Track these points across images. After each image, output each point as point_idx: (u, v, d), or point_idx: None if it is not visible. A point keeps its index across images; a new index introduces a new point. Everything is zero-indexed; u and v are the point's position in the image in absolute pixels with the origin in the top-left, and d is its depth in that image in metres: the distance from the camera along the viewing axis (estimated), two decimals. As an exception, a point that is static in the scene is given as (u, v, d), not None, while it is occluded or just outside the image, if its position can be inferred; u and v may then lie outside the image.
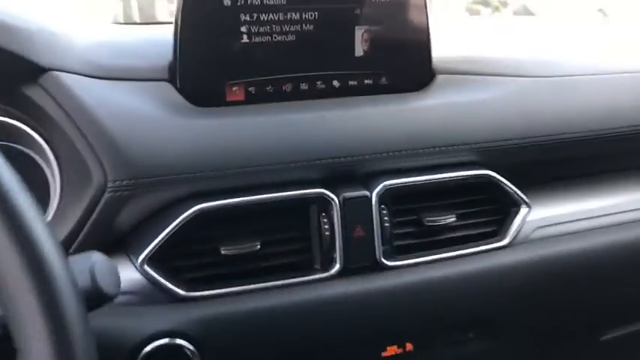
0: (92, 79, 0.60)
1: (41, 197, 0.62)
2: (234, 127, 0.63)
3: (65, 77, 0.58)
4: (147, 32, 0.72)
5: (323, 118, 0.66)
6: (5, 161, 0.36)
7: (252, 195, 0.61)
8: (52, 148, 0.61)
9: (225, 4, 0.66)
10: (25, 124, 0.61)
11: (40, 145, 0.62)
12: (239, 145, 0.62)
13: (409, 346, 0.68)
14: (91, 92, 0.59)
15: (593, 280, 0.74)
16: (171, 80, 0.65)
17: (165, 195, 0.59)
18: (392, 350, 0.68)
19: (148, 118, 0.60)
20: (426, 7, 0.73)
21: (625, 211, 0.77)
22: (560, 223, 0.74)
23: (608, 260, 0.74)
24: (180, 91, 0.65)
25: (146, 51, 0.67)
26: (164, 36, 0.66)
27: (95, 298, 0.43)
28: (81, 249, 0.58)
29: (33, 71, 0.57)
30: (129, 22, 1.19)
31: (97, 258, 0.43)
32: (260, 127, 0.64)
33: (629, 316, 0.89)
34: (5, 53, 0.55)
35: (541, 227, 0.73)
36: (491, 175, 0.69)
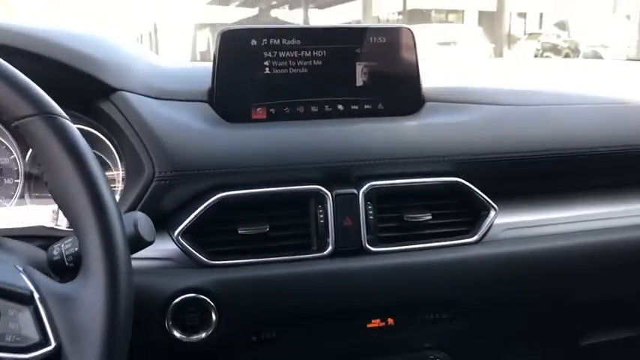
0: (148, 98, 0.81)
1: None
2: (254, 137, 0.82)
3: (129, 96, 0.79)
4: (192, 65, 0.93)
5: (326, 132, 0.84)
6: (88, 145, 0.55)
7: (264, 188, 0.79)
8: (117, 150, 0.82)
9: (252, 44, 0.85)
10: (97, 131, 0.82)
11: (108, 147, 0.83)
12: (257, 150, 0.80)
13: (391, 321, 0.83)
14: (147, 108, 0.79)
15: (552, 277, 0.87)
16: (209, 101, 0.85)
17: (198, 185, 0.78)
18: (376, 323, 0.83)
19: (188, 127, 0.80)
20: (415, 47, 0.90)
21: (583, 221, 0.90)
22: (525, 227, 0.88)
23: (566, 260, 0.87)
24: (216, 110, 0.85)
25: (191, 79, 0.88)
26: (204, 68, 0.86)
27: (137, 242, 0.61)
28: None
29: (106, 90, 0.78)
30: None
31: (139, 215, 0.62)
32: (275, 138, 0.82)
33: (606, 321, 1.00)
34: (86, 76, 0.77)
35: (508, 229, 0.87)
36: (462, 183, 0.84)
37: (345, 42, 0.88)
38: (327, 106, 0.89)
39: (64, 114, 0.54)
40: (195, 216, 0.77)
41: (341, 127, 0.85)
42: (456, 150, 0.85)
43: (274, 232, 0.80)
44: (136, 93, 0.80)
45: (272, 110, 0.87)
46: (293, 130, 0.84)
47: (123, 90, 0.79)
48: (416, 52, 0.90)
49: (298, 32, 0.87)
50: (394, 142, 0.85)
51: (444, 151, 0.85)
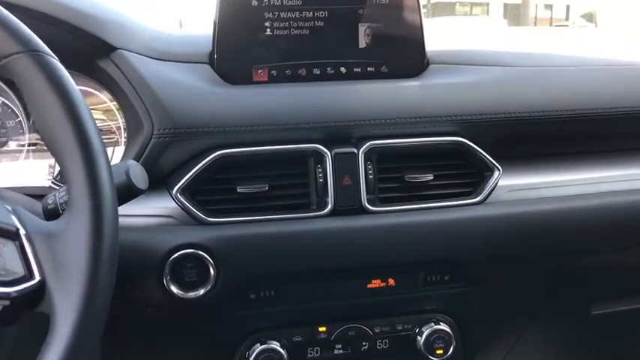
0: (149, 58, 0.81)
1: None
2: (254, 97, 0.81)
3: (130, 55, 0.79)
4: (195, 32, 0.93)
5: (327, 92, 0.83)
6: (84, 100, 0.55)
7: (264, 146, 0.79)
8: (118, 107, 0.83)
9: (253, 4, 0.85)
10: (99, 92, 0.83)
11: (111, 109, 0.83)
12: (257, 110, 0.80)
13: (391, 281, 0.82)
14: (147, 67, 0.79)
15: (556, 239, 0.85)
16: (210, 63, 0.85)
17: (197, 144, 0.78)
18: (376, 283, 0.82)
19: (188, 87, 0.80)
20: (419, 8, 0.89)
21: (587, 184, 0.88)
22: (528, 189, 0.86)
23: (569, 223, 0.85)
24: (217, 71, 0.85)
25: (192, 41, 0.88)
26: (207, 35, 0.86)
27: (129, 190, 0.61)
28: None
29: (106, 49, 0.79)
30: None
31: (131, 163, 0.62)
32: (275, 98, 0.82)
33: (615, 290, 0.98)
34: (87, 35, 0.77)
35: (511, 191, 0.86)
36: (465, 143, 0.83)
37: (348, 2, 0.87)
38: (329, 69, 0.88)
39: (51, 53, 0.54)
40: (194, 173, 0.77)
41: (342, 87, 0.85)
42: (460, 110, 0.84)
43: (273, 191, 0.79)
44: (136, 52, 0.80)
45: (273, 72, 0.87)
46: (294, 90, 0.83)
47: (123, 49, 0.79)
48: (420, 13, 0.89)
49: (299, -8, 0.86)
50: (396, 102, 0.84)
51: (447, 111, 0.84)
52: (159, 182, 0.79)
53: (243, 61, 0.85)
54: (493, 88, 0.86)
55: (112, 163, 0.57)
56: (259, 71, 0.87)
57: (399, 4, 0.88)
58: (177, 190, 0.77)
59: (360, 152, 0.80)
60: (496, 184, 0.84)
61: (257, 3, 0.85)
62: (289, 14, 0.86)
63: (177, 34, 0.92)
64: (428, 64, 0.90)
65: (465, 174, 0.84)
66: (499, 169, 0.84)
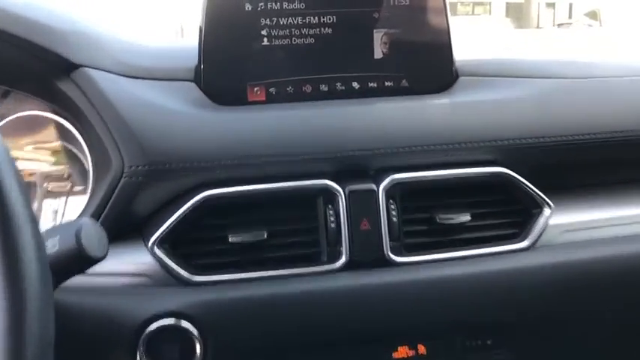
0: (120, 76, 0.65)
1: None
2: (250, 122, 0.66)
3: (94, 73, 0.64)
4: (180, 42, 0.78)
5: (337, 114, 0.68)
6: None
7: (261, 185, 0.63)
8: (84, 138, 0.67)
9: (247, 9, 0.70)
10: (61, 117, 0.67)
11: (76, 137, 0.68)
12: (253, 137, 0.65)
13: (422, 349, 0.67)
14: (117, 87, 0.64)
15: (626, 292, 0.69)
16: (196, 81, 0.70)
17: (179, 183, 0.63)
18: (403, 351, 0.66)
19: (168, 110, 0.65)
20: (446, 10, 0.74)
21: None
22: (587, 229, 0.71)
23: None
24: (204, 90, 0.69)
25: (174, 54, 0.72)
26: (191, 42, 0.71)
27: (80, 259, 0.46)
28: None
29: (66, 67, 0.64)
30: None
31: (84, 222, 0.47)
32: (275, 122, 0.67)
33: None
34: (40, 50, 0.62)
35: (566, 231, 0.70)
36: (508, 174, 0.68)
37: (361, 4, 0.72)
38: (338, 84, 0.73)
39: None
40: (175, 220, 0.62)
41: (356, 108, 0.69)
42: (499, 133, 0.69)
43: (274, 240, 0.64)
44: (103, 70, 0.65)
45: (272, 90, 0.72)
46: (297, 113, 0.68)
47: (87, 66, 0.64)
48: (446, 16, 0.74)
49: (302, -7, 0.71)
50: (421, 125, 0.68)
51: (483, 135, 0.68)
52: (131, 231, 0.64)
53: (236, 77, 0.70)
54: (540, 104, 0.71)
55: (68, 217, 0.42)
56: (255, 89, 0.71)
57: (422, 6, 0.73)
58: (155, 241, 0.61)
59: (381, 189, 0.65)
60: (547, 223, 0.68)
61: (251, 7, 0.70)
62: (290, 20, 0.70)
63: (158, 45, 0.77)
64: (457, 76, 0.75)
65: (508, 212, 0.69)
66: (549, 205, 0.69)
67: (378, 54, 0.73)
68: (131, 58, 0.68)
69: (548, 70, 0.75)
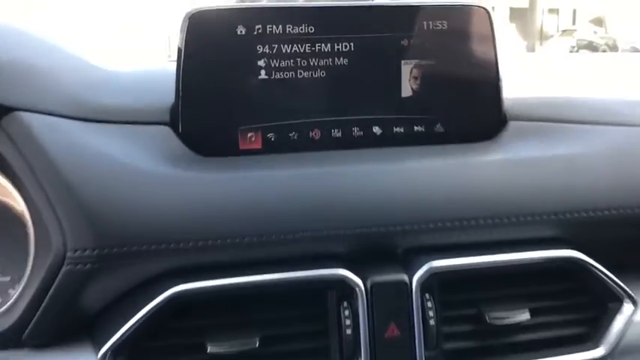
0: (68, 120, 0.50)
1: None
2: (240, 182, 0.50)
3: (30, 118, 0.48)
4: (157, 68, 0.61)
5: (354, 173, 0.52)
6: None
7: (250, 276, 0.47)
8: (27, 205, 0.51)
9: (239, 32, 0.54)
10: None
11: (8, 202, 0.52)
12: (243, 205, 0.49)
13: None
14: (58, 137, 0.48)
15: None
16: (171, 124, 0.54)
17: (139, 272, 0.47)
18: None
19: (130, 169, 0.48)
20: (494, 37, 0.58)
21: None
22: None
23: None
24: (183, 137, 0.54)
25: (147, 89, 0.56)
26: (172, 68, 0.55)
27: None
28: (39, 329, 0.47)
29: None
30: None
31: None
32: (274, 183, 0.50)
33: None
34: None
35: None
36: (580, 259, 0.52)
37: (385, 29, 0.56)
38: (355, 129, 0.57)
39: None
40: (135, 323, 0.46)
41: (377, 163, 0.53)
42: (567, 202, 0.53)
43: (268, 349, 0.48)
44: (43, 112, 0.49)
45: (270, 136, 0.56)
46: (302, 170, 0.52)
47: (21, 109, 0.48)
48: (494, 44, 0.58)
49: (311, 14, 0.55)
50: (464, 187, 0.52)
51: (546, 203, 0.52)
52: (77, 333, 0.48)
53: (224, 120, 0.55)
54: (619, 162, 0.55)
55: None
56: (249, 135, 0.55)
57: (464, 31, 0.58)
58: (108, 351, 0.45)
59: (415, 281, 0.49)
60: (629, 322, 0.52)
61: (245, 30, 0.54)
62: (296, 48, 0.55)
63: (131, 74, 0.61)
64: (506, 120, 0.59)
65: (576, 306, 0.53)
66: (632, 299, 0.52)
67: (406, 91, 0.57)
68: (88, 94, 0.52)
69: (619, 114, 0.59)
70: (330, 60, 0.56)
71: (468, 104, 0.58)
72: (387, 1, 0.55)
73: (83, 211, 0.45)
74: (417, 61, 0.57)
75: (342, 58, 0.56)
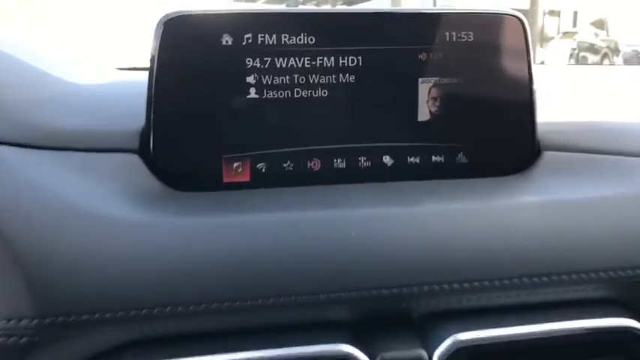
0: (6, 147, 0.40)
1: None
2: (223, 230, 0.41)
3: None
4: (128, 81, 0.52)
5: (359, 218, 0.42)
6: None
7: (233, 351, 0.38)
8: None
9: (225, 42, 0.45)
10: None
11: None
12: (224, 262, 0.39)
13: None
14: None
15: None
16: (141, 151, 0.45)
17: (93, 344, 0.37)
18: None
19: (83, 211, 0.39)
20: (528, 52, 0.49)
21: None
22: None
23: None
24: (153, 167, 0.44)
25: (112, 107, 0.47)
26: (140, 82, 0.45)
27: None
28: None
29: None
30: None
31: None
32: (263, 232, 0.41)
33: None
34: None
35: None
36: (634, 328, 0.42)
37: (400, 40, 0.47)
38: (363, 159, 0.48)
39: None
40: None
41: (389, 206, 0.44)
42: (621, 256, 0.43)
43: None
44: None
45: (261, 167, 0.47)
46: (299, 213, 0.43)
47: None
48: (529, 62, 0.49)
49: (312, 22, 0.46)
50: (494, 239, 0.43)
51: (595, 258, 0.43)
52: None
53: (205, 147, 0.45)
54: None
55: None
56: (235, 165, 0.46)
57: (493, 43, 0.48)
58: None
59: (436, 358, 0.39)
60: None
61: (232, 41, 0.45)
62: (292, 62, 0.46)
63: (92, 85, 0.51)
64: (539, 150, 0.50)
65: None
66: None
67: (423, 115, 0.48)
68: (31, 115, 0.43)
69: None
70: (334, 77, 0.46)
71: (496, 131, 0.49)
72: (402, 7, 0.46)
73: (18, 268, 0.36)
74: (436, 79, 0.48)
75: (347, 75, 0.47)
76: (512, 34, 0.48)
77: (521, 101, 0.49)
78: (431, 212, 0.42)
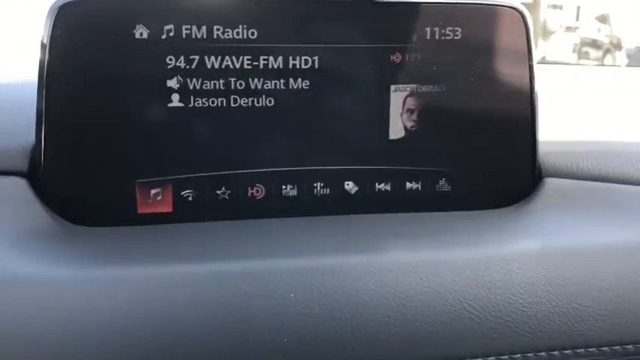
0: None
1: None
2: (131, 288, 0.30)
3: None
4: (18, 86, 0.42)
5: (310, 271, 0.32)
6: None
7: None
8: None
9: (139, 36, 0.34)
10: None
11: None
12: (133, 333, 0.29)
13: None
14: None
15: None
16: (29, 175, 0.35)
17: None
18: None
19: None
20: (530, 54, 0.38)
21: None
22: None
23: None
24: (45, 195, 0.34)
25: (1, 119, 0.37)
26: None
27: None
28: None
29: None
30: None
31: None
32: (184, 294, 0.31)
33: None
34: None
35: None
36: None
37: (367, 37, 0.37)
38: (319, 185, 0.38)
39: None
40: None
41: (351, 253, 0.34)
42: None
43: None
44: None
45: (187, 194, 0.37)
46: (231, 264, 0.32)
47: None
48: (530, 67, 0.39)
49: (253, 11, 0.36)
50: (484, 303, 0.32)
51: (619, 327, 0.33)
52: None
53: (114, 169, 0.35)
54: None
55: None
56: (153, 192, 0.36)
57: (486, 42, 0.38)
58: None
59: None
60: None
61: (148, 34, 0.34)
62: (228, 62, 0.35)
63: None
64: (539, 177, 0.40)
65: None
66: None
67: (396, 131, 0.38)
68: None
69: None
70: (282, 81, 0.36)
71: (488, 152, 0.39)
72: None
73: None
74: (413, 86, 0.38)
75: (299, 79, 0.36)
76: (511, 30, 0.38)
77: (519, 115, 0.39)
78: (400, 263, 0.32)
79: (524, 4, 0.39)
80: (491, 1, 0.38)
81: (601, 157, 0.41)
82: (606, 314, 0.32)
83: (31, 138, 0.35)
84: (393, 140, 0.38)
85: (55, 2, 0.34)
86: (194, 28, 0.35)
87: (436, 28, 0.37)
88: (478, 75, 0.38)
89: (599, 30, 11.41)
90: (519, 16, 0.38)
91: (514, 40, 0.38)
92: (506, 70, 0.38)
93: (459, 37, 0.38)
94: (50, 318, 0.28)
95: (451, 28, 0.38)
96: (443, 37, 0.37)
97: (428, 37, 0.37)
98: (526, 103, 0.39)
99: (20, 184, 0.34)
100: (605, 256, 0.34)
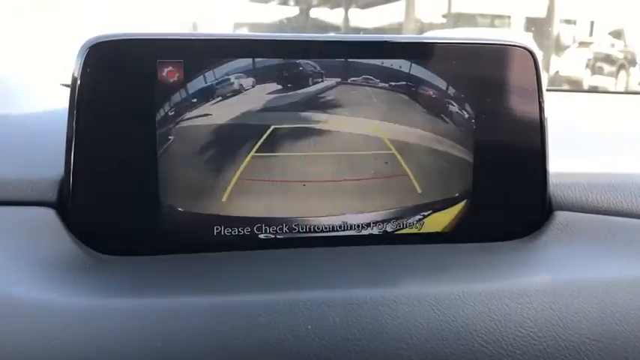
0: None
1: None
2: (156, 313, 0.32)
3: None
4: (50, 117, 0.44)
5: (329, 300, 0.33)
6: None
7: None
8: None
9: (161, 73, 0.36)
10: None
11: None
12: (163, 351, 0.31)
13: None
14: None
15: None
16: (58, 205, 0.36)
17: None
18: None
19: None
20: (540, 92, 0.40)
21: None
22: None
23: None
24: (73, 225, 0.36)
25: (24, 150, 0.39)
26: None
27: None
28: None
29: None
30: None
31: None
32: (210, 311, 0.32)
33: None
34: None
35: None
36: None
37: (387, 77, 0.38)
38: (339, 224, 0.39)
39: None
40: None
41: (367, 277, 0.35)
42: None
43: None
44: None
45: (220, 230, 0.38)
46: (252, 292, 0.34)
47: None
48: (540, 103, 0.40)
49: (277, 46, 0.37)
50: (484, 343, 0.33)
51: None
52: None
53: (141, 200, 0.37)
54: None
55: None
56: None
57: (497, 81, 0.39)
58: None
59: None
60: None
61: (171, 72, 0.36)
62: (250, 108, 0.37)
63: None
64: (550, 210, 0.41)
65: None
66: None
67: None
68: None
69: None
70: (309, 124, 0.38)
71: (497, 185, 0.40)
72: (377, 35, 0.38)
73: None
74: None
75: (327, 123, 0.38)
76: (522, 69, 0.40)
77: (530, 151, 0.40)
78: (405, 292, 0.33)
79: (537, 18, 0.40)
80: (501, 40, 0.39)
81: (612, 190, 0.42)
82: (615, 349, 0.33)
83: (61, 170, 0.36)
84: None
85: (86, 42, 0.35)
86: (235, 78, 0.37)
87: (450, 66, 0.39)
88: (489, 112, 0.39)
89: (613, 45, 11.37)
90: (529, 54, 0.40)
91: (525, 77, 0.39)
92: (517, 106, 0.39)
93: (471, 75, 0.39)
94: (77, 347, 0.29)
95: (461, 66, 0.39)
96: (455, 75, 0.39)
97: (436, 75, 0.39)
98: (536, 138, 0.40)
99: (49, 215, 0.36)
100: (614, 291, 0.35)
